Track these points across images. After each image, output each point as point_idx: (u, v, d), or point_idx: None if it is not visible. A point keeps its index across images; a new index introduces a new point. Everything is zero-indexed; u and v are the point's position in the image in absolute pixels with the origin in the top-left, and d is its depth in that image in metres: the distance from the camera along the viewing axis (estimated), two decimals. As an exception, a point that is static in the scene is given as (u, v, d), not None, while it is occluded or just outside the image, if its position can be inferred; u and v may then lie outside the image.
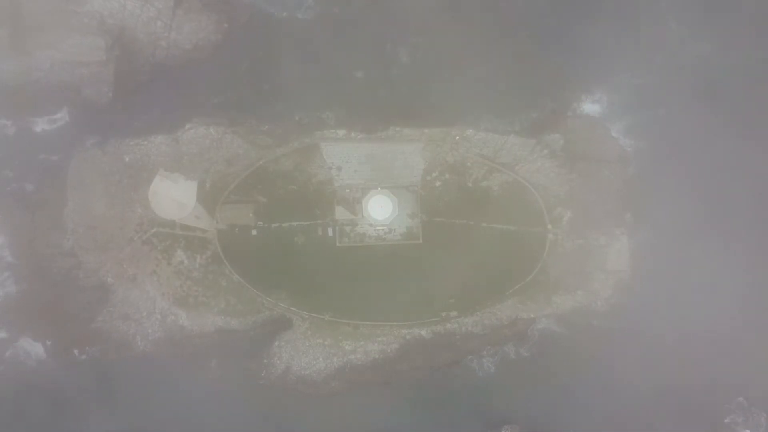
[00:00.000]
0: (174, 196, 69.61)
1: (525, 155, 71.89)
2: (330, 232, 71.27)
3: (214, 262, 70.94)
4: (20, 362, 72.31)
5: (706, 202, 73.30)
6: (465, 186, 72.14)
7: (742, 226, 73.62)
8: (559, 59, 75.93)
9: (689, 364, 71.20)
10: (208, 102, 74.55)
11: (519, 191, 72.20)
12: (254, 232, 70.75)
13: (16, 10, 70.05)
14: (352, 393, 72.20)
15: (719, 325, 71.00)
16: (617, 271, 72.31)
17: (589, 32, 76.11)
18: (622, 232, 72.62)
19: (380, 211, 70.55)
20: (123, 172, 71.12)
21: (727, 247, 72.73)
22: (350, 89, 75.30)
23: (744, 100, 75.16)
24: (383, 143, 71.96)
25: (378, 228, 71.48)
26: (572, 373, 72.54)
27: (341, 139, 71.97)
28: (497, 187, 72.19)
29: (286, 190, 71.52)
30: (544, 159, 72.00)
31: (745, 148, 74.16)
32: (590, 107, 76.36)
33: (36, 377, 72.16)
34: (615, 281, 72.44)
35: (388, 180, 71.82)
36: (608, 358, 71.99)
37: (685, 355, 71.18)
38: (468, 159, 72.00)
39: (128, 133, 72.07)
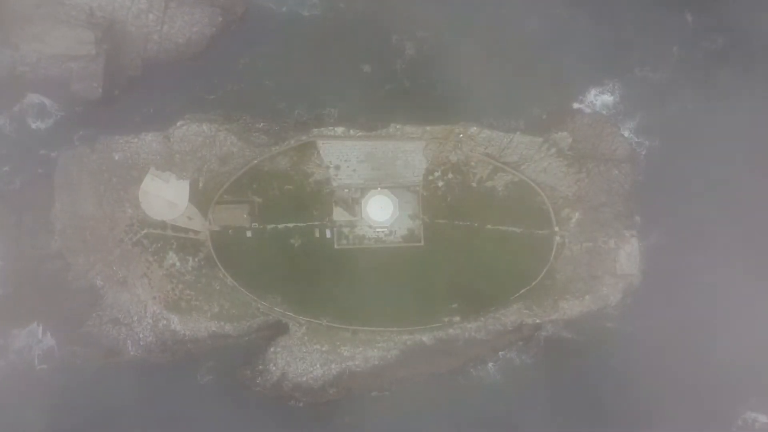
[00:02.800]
0: (165, 196, 68.46)
1: (531, 154, 70.19)
2: (328, 233, 69.83)
3: (207, 265, 69.62)
4: (8, 366, 71.35)
5: (719, 204, 71.87)
6: (469, 186, 70.51)
7: (756, 228, 72.20)
8: (569, 53, 74.46)
9: (701, 366, 70.34)
10: (202, 98, 73.43)
11: (525, 192, 70.59)
12: (249, 234, 69.42)
13: (0, 1, 68.88)
14: (350, 401, 71.01)
15: (732, 327, 69.89)
16: (627, 275, 70.62)
17: (599, 25, 74.79)
18: (633, 235, 70.87)
19: (380, 212, 69.07)
20: (112, 170, 69.76)
21: (740, 249, 71.28)
22: (351, 85, 74.17)
23: (764, 97, 73.39)
24: (383, 141, 70.34)
25: (378, 230, 70.05)
26: (579, 380, 71.40)
27: (339, 137, 70.43)
28: (502, 188, 70.60)
29: (282, 190, 70.06)
30: (552, 158, 70.29)
31: (763, 147, 72.77)
32: (600, 104, 75.05)
33: (25, 381, 71.27)
34: (625, 285, 70.87)
35: (388, 180, 70.31)
36: (617, 364, 70.81)
37: (696, 358, 70.24)
38: (472, 158, 70.33)
39: (118, 130, 70.72)
